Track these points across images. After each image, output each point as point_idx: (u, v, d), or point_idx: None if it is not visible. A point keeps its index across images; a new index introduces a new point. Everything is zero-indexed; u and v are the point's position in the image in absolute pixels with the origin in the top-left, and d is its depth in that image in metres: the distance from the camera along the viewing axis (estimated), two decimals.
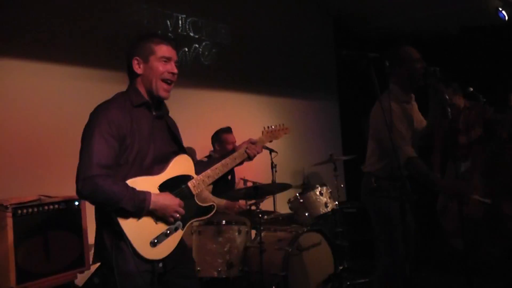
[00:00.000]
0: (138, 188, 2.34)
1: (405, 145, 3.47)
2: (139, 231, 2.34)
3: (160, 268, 2.43)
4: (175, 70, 2.57)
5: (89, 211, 4.11)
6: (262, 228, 4.48)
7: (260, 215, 4.39)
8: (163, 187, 2.46)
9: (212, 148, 5.43)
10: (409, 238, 3.42)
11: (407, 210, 3.17)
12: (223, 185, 5.17)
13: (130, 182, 2.35)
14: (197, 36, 6.00)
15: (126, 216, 2.31)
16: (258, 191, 4.46)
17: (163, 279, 2.49)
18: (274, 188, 4.92)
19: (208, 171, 2.69)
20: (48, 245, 3.68)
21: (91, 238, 4.34)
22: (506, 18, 6.22)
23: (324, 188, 5.14)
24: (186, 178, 2.60)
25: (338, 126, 8.16)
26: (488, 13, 6.41)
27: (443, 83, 3.42)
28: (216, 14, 6.26)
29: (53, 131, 4.51)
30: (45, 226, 3.69)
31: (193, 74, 5.86)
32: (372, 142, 3.76)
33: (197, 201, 2.62)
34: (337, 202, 5.30)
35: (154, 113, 2.59)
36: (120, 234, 2.30)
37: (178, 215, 2.45)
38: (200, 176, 2.65)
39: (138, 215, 2.34)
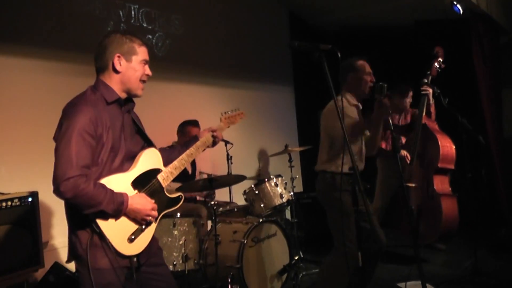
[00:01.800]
0: (113, 188, 2.42)
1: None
2: (117, 229, 2.45)
3: (135, 262, 2.57)
4: (150, 73, 2.69)
5: (43, 208, 4.16)
6: (217, 220, 4.62)
7: (215, 207, 4.50)
8: (136, 184, 2.55)
9: (175, 139, 5.60)
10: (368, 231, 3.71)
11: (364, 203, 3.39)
12: (184, 178, 5.37)
13: (105, 181, 2.42)
14: (150, 27, 6.07)
15: (104, 216, 2.40)
16: (213, 183, 4.59)
17: (137, 272, 2.60)
18: (229, 180, 5.05)
19: (175, 163, 2.82)
20: (1, 243, 3.69)
21: (45, 235, 4.41)
22: (461, 11, 6.43)
23: (279, 179, 5.26)
24: (155, 171, 2.69)
25: (293, 117, 8.32)
26: (443, 6, 6.62)
27: (388, 97, 3.68)
28: (169, 4, 6.32)
29: (4, 126, 4.53)
30: None
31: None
32: (326, 140, 4.03)
33: (166, 194, 2.74)
34: (292, 193, 5.46)
35: (123, 109, 2.65)
36: (97, 233, 2.40)
37: (150, 219, 2.57)
38: (168, 168, 2.77)
39: (116, 217, 2.44)
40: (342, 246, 3.73)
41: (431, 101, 5.29)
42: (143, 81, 2.66)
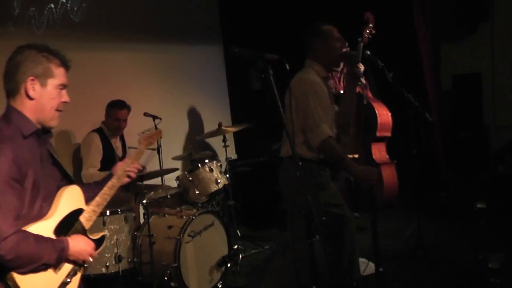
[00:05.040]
0: None
1: (322, 123, 3.55)
2: (39, 286, 2.28)
3: None
4: (69, 99, 2.49)
5: None
6: (150, 210, 4.69)
7: (147, 205, 4.53)
8: (59, 231, 2.39)
9: (100, 118, 5.62)
10: None
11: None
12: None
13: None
14: None
15: (25, 272, 2.21)
16: (144, 177, 4.62)
17: None
18: (161, 173, 5.08)
19: (97, 199, 2.66)
20: None
21: None
22: None
23: (214, 162, 5.28)
24: (77, 212, 2.54)
25: (224, 82, 8.27)
26: None
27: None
28: None
29: None
30: None
31: (62, 34, 5.72)
32: (298, 118, 3.63)
33: (89, 236, 2.60)
34: (228, 176, 5.48)
35: (40, 140, 2.44)
36: None
37: (91, 259, 2.52)
38: (91, 206, 2.62)
39: (55, 267, 2.32)
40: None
41: (364, 81, 5.48)
42: (59, 110, 2.45)
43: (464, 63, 7.65)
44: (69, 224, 2.48)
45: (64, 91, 2.46)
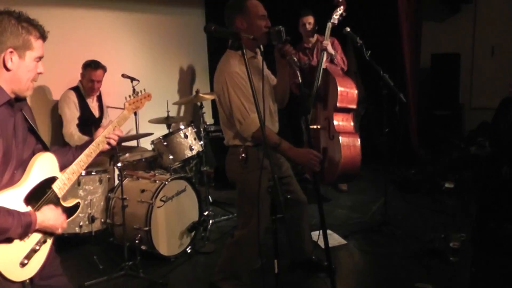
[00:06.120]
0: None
1: (249, 114, 3.48)
2: (7, 255, 2.28)
3: (28, 284, 2.44)
4: (43, 71, 2.48)
5: None
6: (124, 173, 4.84)
7: (121, 169, 4.63)
8: (29, 200, 2.36)
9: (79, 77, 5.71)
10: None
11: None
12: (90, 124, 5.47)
13: None
14: None
15: None
16: (119, 141, 4.76)
17: None
18: (136, 136, 5.24)
19: (73, 167, 2.62)
20: None
21: None
22: None
23: (189, 129, 5.46)
24: (50, 181, 2.51)
25: (205, 52, 8.39)
26: None
27: (289, 43, 3.47)
28: None
29: None
30: None
31: None
32: (224, 113, 3.69)
33: (62, 204, 2.58)
34: (202, 143, 5.66)
35: (15, 108, 2.43)
36: None
37: (60, 231, 2.49)
38: (65, 174, 2.58)
39: (20, 239, 2.32)
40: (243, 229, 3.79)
41: (333, 52, 5.88)
42: (35, 81, 2.47)
43: (444, 43, 7.91)
44: (41, 193, 2.46)
45: (40, 63, 2.46)
